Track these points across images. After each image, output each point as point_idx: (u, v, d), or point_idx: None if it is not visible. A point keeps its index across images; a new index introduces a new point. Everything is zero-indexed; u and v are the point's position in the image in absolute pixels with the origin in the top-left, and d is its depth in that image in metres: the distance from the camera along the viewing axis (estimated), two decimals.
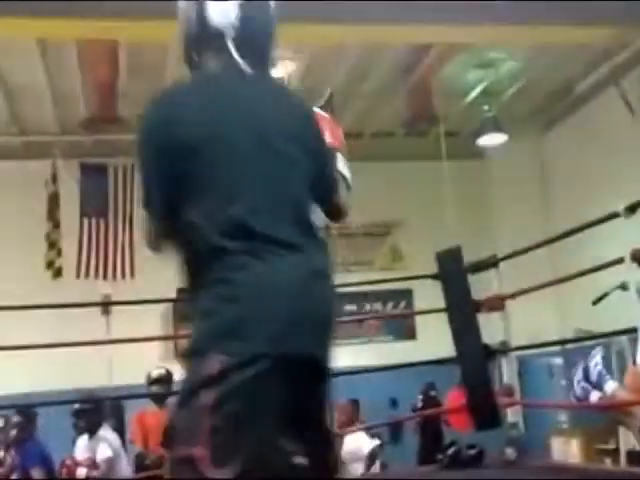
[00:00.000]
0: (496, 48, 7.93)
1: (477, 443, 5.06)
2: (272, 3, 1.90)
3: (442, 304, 4.79)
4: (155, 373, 6.35)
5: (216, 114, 1.74)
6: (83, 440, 5.95)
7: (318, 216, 1.97)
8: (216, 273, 1.65)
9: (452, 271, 4.68)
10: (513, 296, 5.26)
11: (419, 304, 9.50)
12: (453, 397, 8.14)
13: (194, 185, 1.70)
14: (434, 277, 4.87)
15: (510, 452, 5.02)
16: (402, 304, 10.14)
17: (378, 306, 10.16)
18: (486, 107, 8.83)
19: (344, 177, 2.35)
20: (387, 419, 8.38)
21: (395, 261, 10.45)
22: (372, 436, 8.88)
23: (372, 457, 6.38)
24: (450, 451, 5.01)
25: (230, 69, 1.82)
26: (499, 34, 6.76)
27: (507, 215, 9.91)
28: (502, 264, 5.25)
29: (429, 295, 5.67)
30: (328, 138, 2.26)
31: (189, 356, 1.66)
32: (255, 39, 1.85)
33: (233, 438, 1.57)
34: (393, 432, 9.10)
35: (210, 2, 1.82)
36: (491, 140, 9.13)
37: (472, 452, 4.99)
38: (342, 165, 2.37)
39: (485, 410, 4.52)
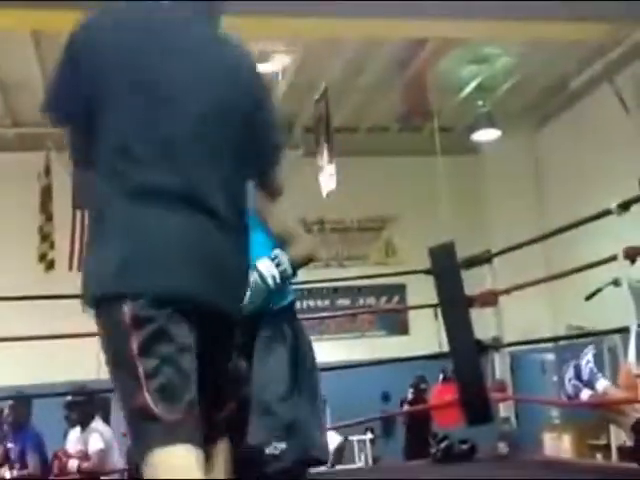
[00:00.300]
0: (491, 44, 7.93)
1: (469, 438, 5.08)
2: None
3: (435, 299, 4.80)
4: None
5: (134, 53, 1.70)
6: (75, 432, 5.94)
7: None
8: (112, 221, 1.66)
9: (445, 266, 4.69)
10: (507, 291, 5.27)
11: (412, 299, 9.52)
12: (437, 393, 8.18)
13: (95, 118, 1.69)
14: (427, 272, 4.88)
15: (502, 447, 5.03)
16: (395, 299, 10.16)
17: (372, 301, 10.17)
18: (480, 102, 8.83)
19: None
20: (379, 413, 8.40)
21: (389, 256, 10.46)
22: (365, 430, 8.94)
23: (339, 452, 6.38)
24: (442, 445, 5.03)
25: (168, 8, 1.76)
26: (494, 29, 6.76)
27: (501, 211, 9.93)
28: (496, 259, 5.27)
29: (423, 290, 5.69)
30: None
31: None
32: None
33: (166, 378, 1.59)
34: (385, 426, 9.12)
35: None
36: (485, 135, 9.14)
37: (464, 447, 5.00)
38: None
39: (477, 405, 4.54)
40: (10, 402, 5.92)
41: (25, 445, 5.89)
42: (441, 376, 8.18)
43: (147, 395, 1.57)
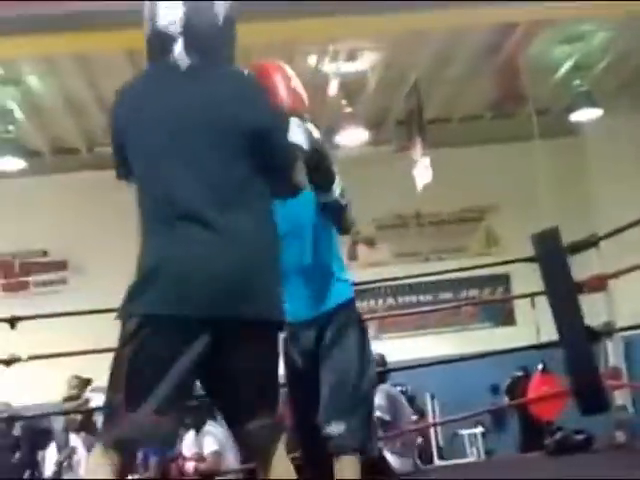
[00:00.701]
0: (584, 21, 7.68)
1: (584, 428, 4.94)
2: (222, 3, 2.07)
3: (541, 287, 4.68)
4: None
5: (141, 106, 2.01)
6: (190, 436, 6.11)
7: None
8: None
9: (550, 252, 4.58)
10: (616, 275, 5.10)
11: (517, 288, 9.31)
12: (535, 384, 7.98)
13: (129, 163, 2.02)
14: (531, 260, 4.78)
15: (619, 436, 4.88)
16: (500, 289, 9.97)
17: (474, 293, 10.01)
18: (578, 82, 8.56)
19: (296, 145, 2.23)
20: (489, 406, 8.27)
21: (490, 246, 10.27)
22: (475, 424, 8.81)
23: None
24: (557, 437, 4.91)
25: (169, 65, 2.02)
26: (585, 7, 6.53)
27: (606, 192, 9.59)
28: (603, 243, 5.10)
29: (528, 279, 5.56)
30: (283, 101, 2.29)
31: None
32: (200, 35, 2.01)
33: (138, 386, 1.86)
34: (496, 419, 8.97)
35: (159, 3, 2.05)
36: (585, 115, 8.85)
37: (580, 437, 4.87)
38: (295, 132, 2.23)
39: (591, 394, 4.40)
40: None
41: (147, 449, 6.10)
42: (540, 367, 8.02)
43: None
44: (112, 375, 1.91)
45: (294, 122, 2.23)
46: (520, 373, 8.39)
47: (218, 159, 1.93)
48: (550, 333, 4.78)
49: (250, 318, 1.89)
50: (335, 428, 2.50)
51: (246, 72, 2.15)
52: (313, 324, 2.73)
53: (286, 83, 2.38)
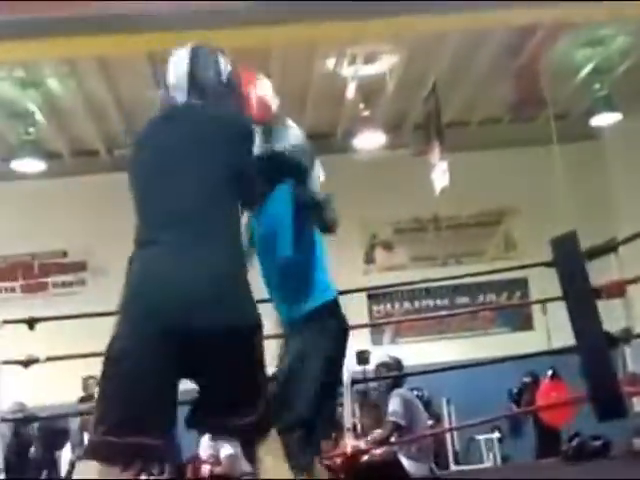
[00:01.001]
0: (604, 25, 7.63)
1: (602, 434, 4.90)
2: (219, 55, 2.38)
3: (559, 292, 4.65)
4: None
5: (142, 145, 2.33)
6: (206, 439, 6.12)
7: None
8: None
9: (568, 257, 4.54)
10: (635, 281, 5.05)
11: (535, 293, 9.26)
12: (544, 391, 7.93)
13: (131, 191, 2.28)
14: (548, 265, 4.74)
15: (638, 443, 4.82)
16: (517, 294, 9.91)
17: (492, 297, 9.96)
18: (598, 86, 8.51)
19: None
20: (505, 412, 8.22)
21: (508, 250, 10.23)
22: (492, 429, 8.76)
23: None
24: (574, 443, 4.87)
25: (168, 108, 2.36)
26: (606, 10, 6.49)
27: (626, 197, 9.52)
28: (622, 248, 5.05)
29: (546, 283, 5.52)
30: (254, 113, 2.46)
31: None
32: (200, 82, 2.32)
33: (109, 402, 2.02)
34: (513, 425, 8.91)
35: (171, 60, 2.37)
36: (605, 120, 8.79)
37: (597, 443, 4.83)
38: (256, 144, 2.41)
39: (609, 400, 4.36)
40: None
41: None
42: (549, 373, 7.97)
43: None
44: (99, 391, 2.08)
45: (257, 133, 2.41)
46: (528, 379, 8.35)
47: (194, 188, 2.15)
48: (566, 338, 4.74)
49: (216, 328, 2.01)
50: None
51: (242, 116, 2.36)
52: (289, 327, 2.73)
53: (251, 92, 2.50)
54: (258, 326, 2.12)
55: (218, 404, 2.09)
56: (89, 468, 1.99)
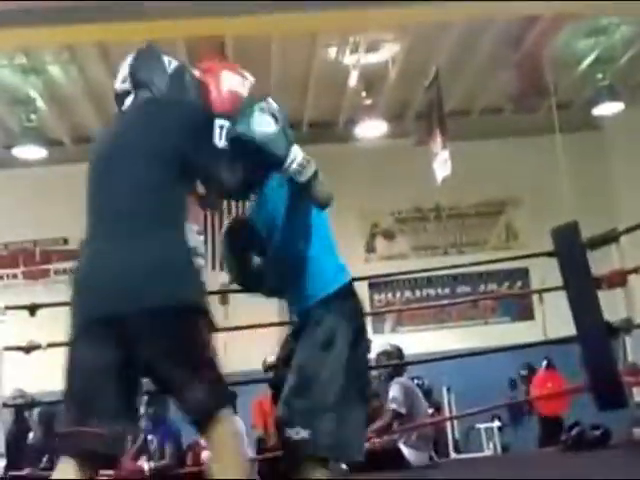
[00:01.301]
0: (606, 15, 7.60)
1: (602, 424, 4.91)
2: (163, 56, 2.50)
3: (560, 282, 4.65)
4: (271, 359, 6.48)
5: (92, 150, 2.42)
6: None
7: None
8: None
9: (569, 247, 4.54)
10: (636, 271, 5.05)
11: (536, 283, 9.27)
12: (539, 381, 7.95)
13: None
14: (550, 254, 4.74)
15: (637, 432, 4.84)
16: (518, 284, 9.92)
17: (493, 287, 9.97)
18: (600, 75, 8.49)
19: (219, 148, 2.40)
20: (505, 400, 8.24)
21: (510, 240, 10.22)
22: (492, 418, 8.78)
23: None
24: (573, 432, 4.88)
25: (119, 112, 2.48)
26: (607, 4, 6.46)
27: (627, 188, 9.50)
28: (623, 238, 5.05)
29: (547, 274, 5.52)
30: (215, 105, 2.45)
31: None
32: (142, 79, 2.43)
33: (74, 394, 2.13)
34: (513, 414, 8.93)
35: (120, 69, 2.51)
36: (607, 109, 8.77)
37: (597, 433, 4.84)
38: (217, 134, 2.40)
39: (609, 390, 4.37)
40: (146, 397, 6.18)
41: (164, 438, 6.15)
42: (544, 363, 7.98)
43: None
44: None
45: (219, 122, 2.40)
46: (525, 372, 8.38)
47: (130, 182, 2.21)
48: (565, 328, 4.75)
49: (146, 312, 2.06)
50: (297, 432, 2.40)
51: (188, 103, 2.41)
52: (298, 317, 2.67)
53: (217, 85, 2.49)
54: (194, 309, 2.16)
55: (165, 383, 2.15)
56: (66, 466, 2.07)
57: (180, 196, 2.26)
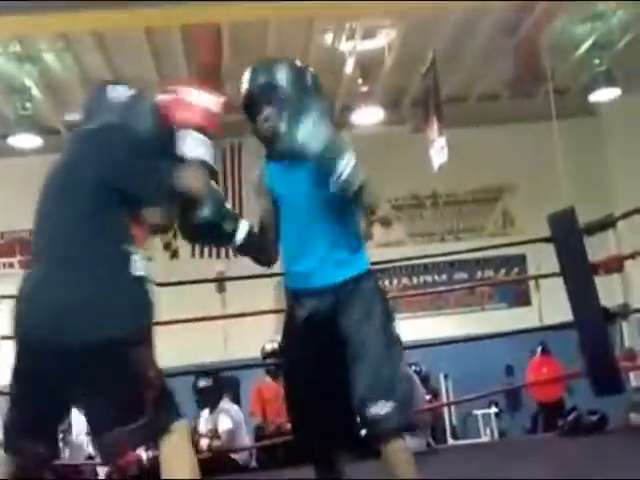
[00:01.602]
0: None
1: (599, 409, 4.93)
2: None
3: (557, 268, 4.66)
4: (269, 347, 6.49)
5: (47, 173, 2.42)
6: (205, 413, 6.16)
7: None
8: None
9: (566, 233, 4.55)
10: (632, 256, 5.06)
11: (533, 269, 9.28)
12: (535, 367, 7.98)
13: None
14: (546, 240, 4.75)
15: (634, 417, 4.86)
16: (515, 270, 9.94)
17: (490, 273, 9.99)
18: (597, 61, 8.47)
19: (196, 158, 2.40)
20: (502, 386, 8.27)
21: (507, 226, 10.24)
22: (489, 404, 8.82)
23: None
24: (570, 417, 4.90)
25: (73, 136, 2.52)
26: None
27: (624, 174, 9.51)
28: (620, 224, 5.06)
29: (544, 260, 5.53)
30: (182, 119, 2.43)
31: None
32: (87, 112, 2.50)
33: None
34: (510, 400, 8.97)
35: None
36: (604, 95, 8.76)
37: (594, 418, 4.86)
38: (193, 145, 2.40)
39: (606, 375, 4.39)
40: None
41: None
42: (539, 349, 7.99)
43: None
44: None
45: (193, 136, 2.39)
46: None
47: (70, 209, 2.24)
48: (560, 314, 4.76)
49: (72, 344, 2.09)
50: (381, 409, 2.39)
51: (121, 129, 2.36)
52: (325, 293, 2.63)
53: (186, 101, 2.48)
54: (125, 339, 2.12)
55: (98, 415, 2.19)
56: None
57: (115, 223, 2.24)
